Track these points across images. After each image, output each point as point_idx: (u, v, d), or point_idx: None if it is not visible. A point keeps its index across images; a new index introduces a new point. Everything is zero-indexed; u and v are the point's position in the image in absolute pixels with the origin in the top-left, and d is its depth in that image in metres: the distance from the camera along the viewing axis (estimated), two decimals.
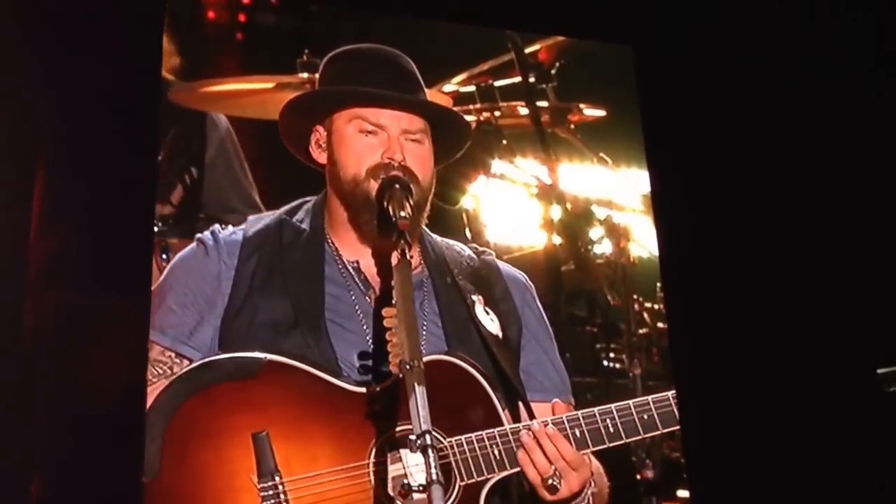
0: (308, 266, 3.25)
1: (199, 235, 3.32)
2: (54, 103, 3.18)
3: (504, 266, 3.47)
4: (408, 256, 2.98)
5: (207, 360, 3.11)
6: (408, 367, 2.73)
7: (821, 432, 3.75)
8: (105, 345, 3.11)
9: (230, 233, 3.31)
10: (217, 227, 3.33)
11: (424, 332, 3.24)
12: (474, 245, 3.48)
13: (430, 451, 2.62)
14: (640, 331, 4.84)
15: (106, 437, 3.05)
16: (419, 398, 2.67)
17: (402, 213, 3.06)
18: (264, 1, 5.16)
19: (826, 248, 3.92)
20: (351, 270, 3.27)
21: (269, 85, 4.81)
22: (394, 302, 2.88)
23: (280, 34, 5.16)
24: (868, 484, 3.74)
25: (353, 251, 3.28)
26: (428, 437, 2.62)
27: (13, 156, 3.11)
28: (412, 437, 2.66)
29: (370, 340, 3.20)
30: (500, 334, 3.32)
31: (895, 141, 4.01)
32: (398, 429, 3.06)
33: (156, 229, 4.56)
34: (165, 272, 3.29)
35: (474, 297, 3.33)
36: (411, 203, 3.12)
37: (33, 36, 3.17)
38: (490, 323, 3.32)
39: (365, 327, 3.22)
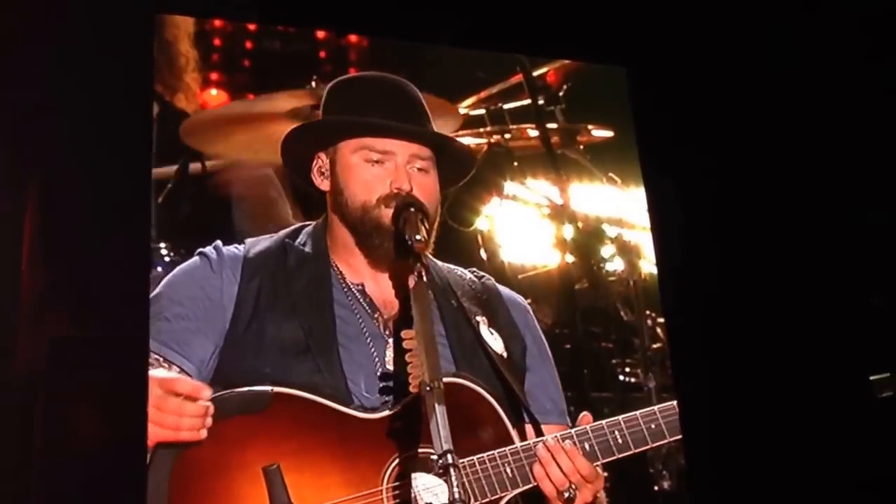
0: (317, 290, 3.26)
1: (201, 250, 3.32)
2: (46, 133, 3.19)
3: (504, 290, 3.50)
4: (424, 278, 3.00)
5: (213, 396, 3.08)
6: (428, 388, 2.75)
7: (815, 437, 3.78)
8: (103, 378, 3.11)
9: (232, 250, 3.31)
10: (219, 242, 3.33)
11: None
12: (474, 269, 3.49)
13: (452, 470, 2.64)
14: (654, 345, 4.86)
15: (106, 470, 3.05)
16: (440, 418, 2.71)
17: (418, 236, 3.09)
18: (271, 28, 5.19)
19: (820, 257, 3.96)
20: (356, 293, 3.27)
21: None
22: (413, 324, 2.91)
23: (288, 61, 5.19)
24: (862, 487, 3.77)
25: (356, 274, 3.29)
26: (450, 456, 2.65)
27: (4, 187, 3.11)
28: (434, 456, 2.68)
29: (378, 363, 3.21)
30: (505, 353, 3.33)
31: (886, 160, 4.05)
32: (410, 452, 3.08)
33: (167, 258, 4.59)
34: (162, 283, 3.27)
35: (479, 318, 3.35)
36: (426, 226, 3.14)
37: (25, 64, 3.19)
38: (495, 342, 3.34)
39: (373, 350, 3.23)
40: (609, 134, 5.12)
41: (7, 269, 3.06)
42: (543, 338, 3.49)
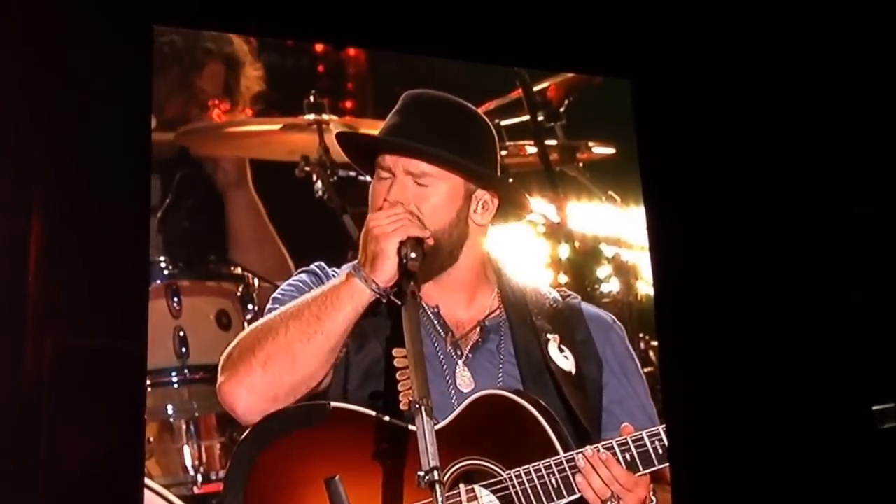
0: (395, 312, 3.26)
1: (307, 268, 3.30)
2: (49, 149, 3.21)
3: (588, 308, 3.46)
4: (417, 297, 3.00)
5: (275, 411, 3.09)
6: (417, 405, 2.75)
7: (815, 466, 3.76)
8: (103, 387, 3.13)
9: (330, 271, 3.31)
10: (321, 263, 3.32)
11: (501, 374, 3.25)
12: (563, 290, 3.48)
13: (437, 487, 2.64)
14: (646, 369, 4.83)
15: (106, 479, 3.06)
16: (428, 435, 2.69)
17: (413, 255, 3.08)
18: (269, 41, 5.20)
19: (822, 283, 3.94)
20: (430, 315, 3.27)
21: (276, 126, 4.86)
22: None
23: (286, 74, 5.20)
24: None
25: (428, 297, 3.29)
26: (436, 472, 2.64)
27: (9, 201, 3.14)
28: (420, 473, 2.67)
29: (450, 382, 3.21)
30: (574, 371, 3.33)
31: (886, 183, 4.04)
32: (467, 463, 3.06)
33: (166, 272, 4.60)
34: (276, 294, 3.26)
35: (549, 336, 3.33)
36: (422, 246, 3.13)
37: (28, 78, 3.21)
38: (564, 361, 3.32)
39: (445, 369, 3.23)
40: (610, 151, 5.12)
41: (13, 282, 3.09)
42: (630, 353, 3.44)
